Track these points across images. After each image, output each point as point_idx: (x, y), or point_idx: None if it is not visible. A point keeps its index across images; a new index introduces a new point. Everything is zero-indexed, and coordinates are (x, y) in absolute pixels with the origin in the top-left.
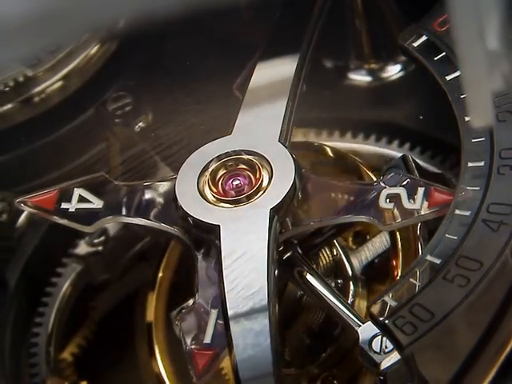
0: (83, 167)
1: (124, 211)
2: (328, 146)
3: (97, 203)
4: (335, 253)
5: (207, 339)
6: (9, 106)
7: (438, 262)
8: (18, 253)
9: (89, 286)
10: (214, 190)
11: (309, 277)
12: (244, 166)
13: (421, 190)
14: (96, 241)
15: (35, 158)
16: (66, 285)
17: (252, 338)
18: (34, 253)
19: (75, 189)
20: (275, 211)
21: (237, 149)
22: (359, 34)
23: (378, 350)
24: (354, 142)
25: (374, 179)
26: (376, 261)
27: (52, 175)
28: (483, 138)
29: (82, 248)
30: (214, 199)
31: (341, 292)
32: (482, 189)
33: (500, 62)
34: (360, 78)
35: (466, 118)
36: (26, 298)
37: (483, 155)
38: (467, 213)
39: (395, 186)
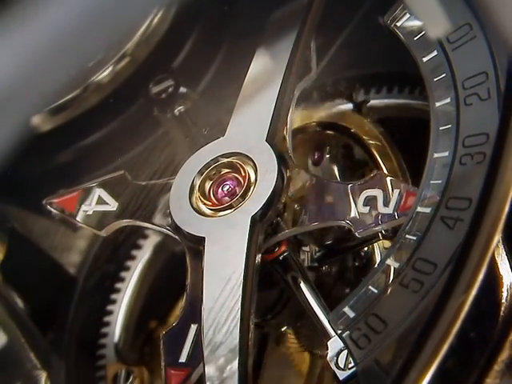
0: (137, 157)
1: (135, 214)
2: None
3: (112, 205)
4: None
5: (182, 358)
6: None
7: (396, 265)
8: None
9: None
10: (205, 200)
11: (302, 284)
12: (229, 170)
13: (396, 193)
14: None
15: (91, 152)
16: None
17: (223, 360)
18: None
19: (96, 189)
20: (257, 218)
21: (226, 152)
22: None
23: (343, 366)
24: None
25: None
26: None
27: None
28: (449, 126)
29: None
30: (204, 209)
31: None
32: (443, 182)
33: None
34: None
35: (437, 104)
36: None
37: (448, 144)
38: (427, 210)
39: (374, 187)
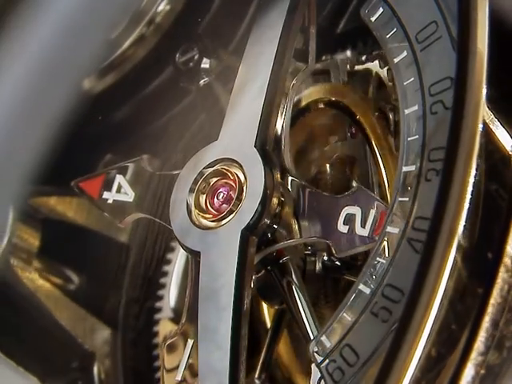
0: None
1: (150, 209)
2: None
3: (130, 195)
4: None
5: (178, 376)
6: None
7: (367, 292)
8: None
9: None
10: (205, 214)
11: (295, 292)
12: (218, 178)
13: (371, 213)
14: None
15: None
16: None
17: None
18: None
19: (117, 175)
20: (248, 230)
21: (217, 158)
22: None
23: None
24: None
25: None
26: None
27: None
28: (416, 136)
29: None
30: (207, 223)
31: None
32: (410, 199)
33: None
34: None
35: (406, 111)
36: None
37: (415, 158)
38: (396, 230)
39: (354, 204)
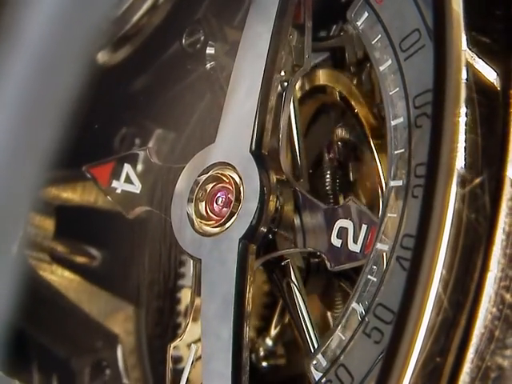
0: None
1: (158, 203)
2: None
3: (137, 185)
4: None
5: (182, 382)
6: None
7: (360, 310)
8: None
9: None
10: (207, 221)
11: (295, 293)
12: (214, 183)
13: (363, 229)
14: None
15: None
16: None
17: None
18: None
19: (125, 165)
20: (246, 238)
21: (214, 162)
22: None
23: None
24: None
25: None
26: None
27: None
28: (402, 150)
29: None
30: (210, 229)
31: None
32: (398, 215)
33: None
34: None
35: (393, 123)
36: None
37: (402, 172)
38: (385, 247)
39: (346, 217)
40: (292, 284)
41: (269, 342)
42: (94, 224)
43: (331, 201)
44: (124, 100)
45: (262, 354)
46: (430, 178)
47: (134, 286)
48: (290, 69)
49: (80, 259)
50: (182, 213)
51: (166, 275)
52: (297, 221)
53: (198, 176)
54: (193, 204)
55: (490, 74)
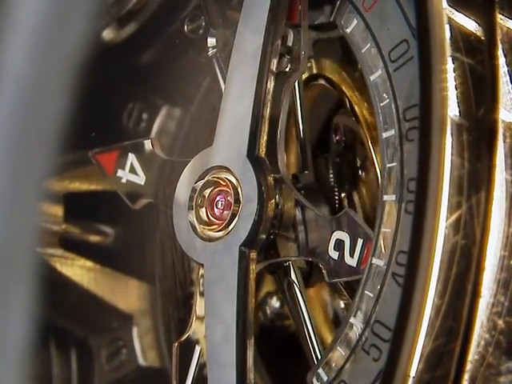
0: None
1: (157, 195)
2: None
3: (141, 177)
4: None
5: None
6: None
7: (359, 326)
8: None
9: None
10: (210, 227)
11: (296, 292)
12: (211, 188)
13: (359, 242)
14: None
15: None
16: None
17: None
18: None
19: (129, 154)
20: (246, 245)
21: (211, 166)
22: None
23: None
24: None
25: None
26: None
27: None
28: (395, 163)
29: None
30: (213, 234)
31: None
32: (393, 230)
33: None
34: None
35: (384, 135)
36: None
37: (395, 187)
38: (381, 263)
39: (343, 230)
40: (293, 284)
41: (276, 303)
42: (106, 203)
43: (335, 193)
44: (130, 75)
45: (269, 314)
46: (419, 193)
47: (148, 265)
48: (286, 70)
49: (93, 239)
50: (184, 222)
51: (180, 257)
52: (298, 223)
53: (195, 183)
54: (194, 212)
55: (471, 26)
